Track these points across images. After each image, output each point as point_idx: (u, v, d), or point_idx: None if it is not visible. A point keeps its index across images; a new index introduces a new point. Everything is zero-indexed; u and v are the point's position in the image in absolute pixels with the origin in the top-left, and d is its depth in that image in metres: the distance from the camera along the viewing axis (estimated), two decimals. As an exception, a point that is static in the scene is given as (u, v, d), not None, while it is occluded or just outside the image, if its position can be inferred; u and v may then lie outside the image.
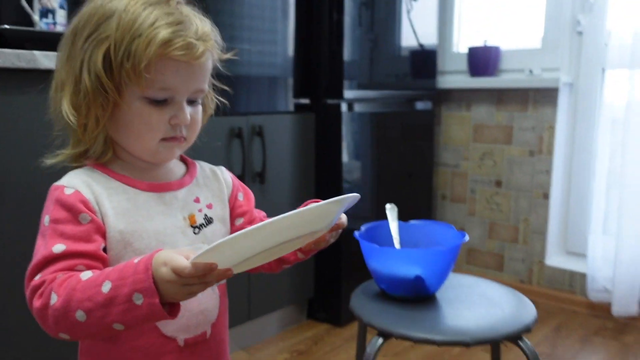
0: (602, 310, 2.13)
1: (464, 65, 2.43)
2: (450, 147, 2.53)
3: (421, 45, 2.29)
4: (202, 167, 0.82)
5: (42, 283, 0.62)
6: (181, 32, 0.67)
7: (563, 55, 2.16)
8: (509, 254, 2.40)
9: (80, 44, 0.68)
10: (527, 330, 0.94)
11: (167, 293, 0.58)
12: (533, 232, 2.32)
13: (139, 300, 0.58)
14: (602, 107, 2.04)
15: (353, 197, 0.64)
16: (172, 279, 0.57)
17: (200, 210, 0.77)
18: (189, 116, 0.71)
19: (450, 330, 0.93)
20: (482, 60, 2.31)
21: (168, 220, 0.73)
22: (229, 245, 0.55)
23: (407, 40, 2.23)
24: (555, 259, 2.32)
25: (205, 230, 0.76)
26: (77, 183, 0.69)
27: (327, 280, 2.02)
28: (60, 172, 0.73)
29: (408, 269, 0.99)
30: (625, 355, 1.84)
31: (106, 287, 0.59)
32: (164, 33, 0.65)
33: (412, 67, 2.28)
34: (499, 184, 2.40)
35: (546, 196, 2.27)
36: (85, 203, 0.67)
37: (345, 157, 1.97)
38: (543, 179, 2.27)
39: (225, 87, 0.81)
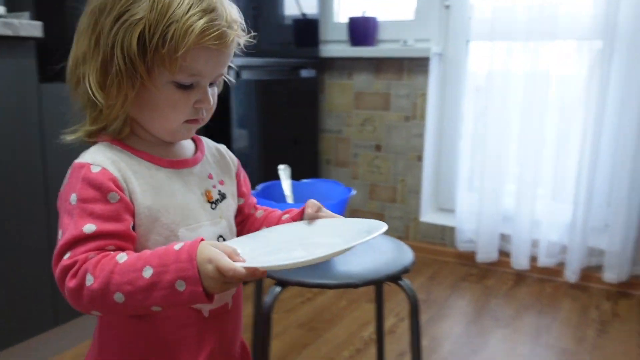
0: (468, 259, 2.40)
1: (345, 35, 2.54)
2: (333, 114, 2.64)
3: (303, 15, 2.35)
4: (208, 144, 0.84)
5: (74, 263, 0.62)
6: (216, 21, 0.67)
7: (433, 27, 2.34)
8: (389, 213, 2.59)
9: (110, 23, 0.67)
10: (406, 271, 1.06)
11: (207, 285, 0.60)
12: (409, 192, 2.53)
13: (181, 286, 0.60)
14: (467, 75, 2.25)
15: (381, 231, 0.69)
16: (215, 276, 0.60)
17: (214, 187, 0.79)
18: (212, 99, 0.73)
19: (340, 275, 1.03)
20: (361, 30, 2.43)
21: (189, 195, 0.74)
22: (280, 267, 0.62)
23: (290, 9, 2.28)
24: (428, 215, 2.55)
25: (220, 205, 0.78)
26: (103, 160, 0.68)
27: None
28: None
29: (301, 223, 1.07)
30: (487, 297, 2.10)
31: (147, 272, 0.61)
32: (201, 23, 0.65)
33: (296, 35, 2.34)
34: (378, 148, 2.56)
35: (420, 158, 2.47)
36: (114, 181, 0.67)
37: (233, 124, 2.00)
38: (417, 142, 2.46)
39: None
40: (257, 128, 2.15)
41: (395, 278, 1.05)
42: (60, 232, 0.66)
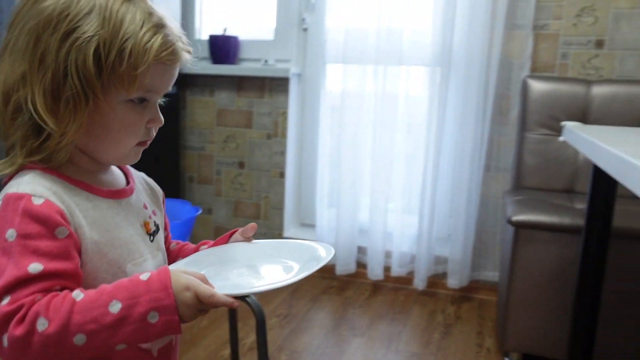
0: (329, 272, 2.47)
1: (206, 52, 2.53)
2: (195, 131, 2.61)
3: (163, 29, 2.31)
4: (134, 172, 0.79)
5: (18, 308, 0.55)
6: (169, 37, 0.65)
7: (292, 49, 2.42)
8: (253, 230, 2.59)
9: (57, 41, 0.61)
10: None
11: (183, 313, 0.59)
12: (272, 208, 2.56)
13: (154, 318, 0.57)
14: (325, 95, 2.35)
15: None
16: (193, 303, 0.59)
17: (150, 217, 0.75)
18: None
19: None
20: (222, 48, 2.43)
21: (131, 228, 0.70)
22: (258, 292, 0.66)
23: (148, 22, 2.23)
24: (291, 231, 2.60)
25: (157, 237, 0.75)
26: (44, 191, 0.61)
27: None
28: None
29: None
30: (345, 307, 2.18)
31: (115, 307, 0.57)
32: (159, 39, 0.64)
33: (155, 50, 2.28)
34: (242, 165, 2.57)
35: (282, 175, 2.52)
36: (61, 214, 0.60)
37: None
38: (279, 159, 2.51)
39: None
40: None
41: (242, 296, 1.05)
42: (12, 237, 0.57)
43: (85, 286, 0.62)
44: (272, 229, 2.57)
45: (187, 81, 2.56)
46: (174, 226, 1.11)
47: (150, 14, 0.65)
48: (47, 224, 0.59)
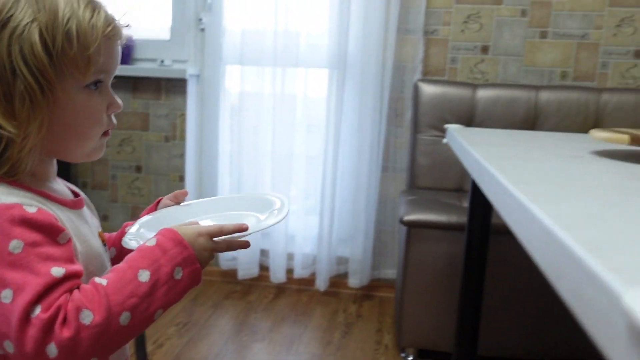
0: (232, 276, 2.43)
1: (97, 50, 2.40)
2: (88, 134, 2.47)
3: (48, 26, 2.17)
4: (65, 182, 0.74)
5: (57, 310, 0.52)
6: (107, 12, 0.63)
7: (190, 49, 2.35)
8: (154, 236, 2.50)
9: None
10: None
11: (201, 260, 0.62)
12: (173, 213, 2.48)
13: (179, 273, 0.59)
14: (224, 96, 2.30)
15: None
16: (208, 246, 0.62)
17: (99, 227, 0.73)
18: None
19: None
20: (114, 46, 2.32)
21: (95, 239, 0.68)
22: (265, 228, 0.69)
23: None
24: (193, 235, 2.53)
25: (105, 247, 0.73)
26: (26, 200, 0.58)
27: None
28: None
29: None
30: (248, 312, 2.15)
31: (144, 277, 0.57)
32: (102, 15, 0.61)
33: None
34: (139, 169, 2.47)
35: (182, 178, 2.45)
36: (59, 220, 0.58)
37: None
38: (178, 162, 2.44)
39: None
40: None
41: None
42: (9, 291, 0.52)
43: None
44: (173, 235, 2.49)
45: (77, 81, 2.42)
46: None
47: None
48: (49, 231, 0.57)
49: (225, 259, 2.40)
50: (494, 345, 1.66)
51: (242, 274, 2.37)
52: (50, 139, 0.62)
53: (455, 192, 1.96)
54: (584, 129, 1.91)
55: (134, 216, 2.48)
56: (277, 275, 2.34)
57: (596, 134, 0.89)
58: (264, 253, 2.40)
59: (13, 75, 0.57)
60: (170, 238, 0.61)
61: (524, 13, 2.11)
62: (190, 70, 2.31)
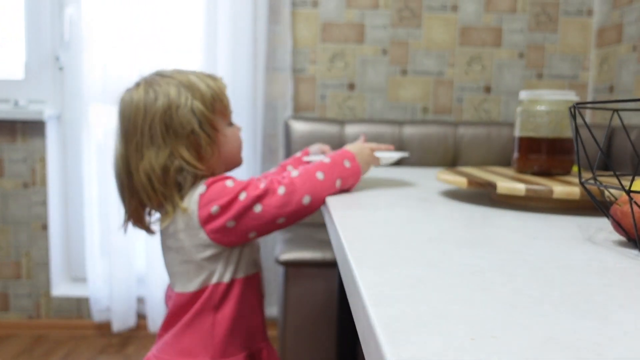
0: (106, 329, 2.27)
1: (-61, 91, 2.17)
2: None
3: None
4: None
5: (270, 183, 0.91)
6: (217, 75, 1.02)
7: (47, 88, 2.20)
8: (15, 291, 2.28)
9: (180, 120, 0.92)
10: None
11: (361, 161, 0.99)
12: (36, 265, 2.28)
13: (348, 163, 0.96)
14: (88, 138, 2.17)
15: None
16: (366, 150, 1.02)
17: None
18: None
19: None
20: (-42, 87, 2.11)
21: None
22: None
23: None
24: (61, 287, 2.34)
25: None
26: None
27: None
28: None
29: None
30: (124, 365, 2.01)
31: (320, 175, 0.93)
32: (218, 78, 1.00)
33: None
34: (-6, 219, 2.25)
35: (45, 227, 2.26)
36: None
37: None
38: (40, 210, 2.25)
39: None
40: None
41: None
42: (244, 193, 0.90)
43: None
44: (37, 288, 2.28)
45: None
46: None
47: (192, 73, 0.99)
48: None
49: (99, 310, 2.24)
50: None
51: (117, 326, 2.22)
52: (217, 159, 0.98)
53: (331, 226, 1.99)
54: (445, 162, 2.04)
55: (-10, 272, 2.26)
56: (157, 323, 2.22)
57: (441, 176, 0.94)
58: (140, 301, 2.27)
59: (194, 134, 0.93)
60: (338, 153, 0.98)
61: (384, 52, 2.23)
62: (48, 111, 2.16)
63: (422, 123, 2.09)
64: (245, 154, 2.13)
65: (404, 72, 2.25)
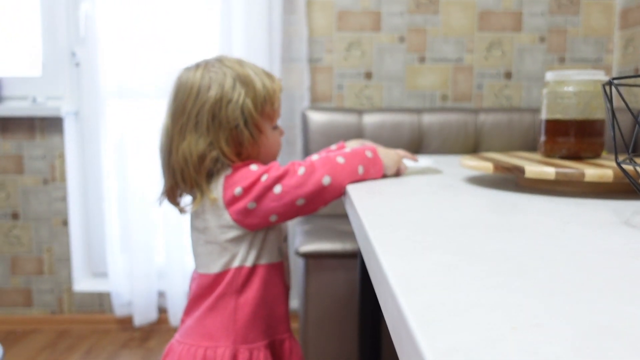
0: (128, 323, 2.29)
1: (-42, 90, 2.19)
2: (-47, 182, 2.24)
3: None
4: None
5: (291, 165, 0.91)
6: (276, 76, 1.02)
7: (64, 85, 2.21)
8: (37, 287, 2.30)
9: (227, 113, 0.92)
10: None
11: (386, 160, 0.97)
12: (58, 261, 2.30)
13: (369, 153, 0.94)
14: (106, 133, 2.18)
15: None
16: (391, 151, 1.01)
17: None
18: None
19: None
20: (-23, 86, 2.13)
21: None
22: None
23: None
24: (83, 283, 2.36)
25: None
26: None
27: None
28: None
29: None
30: (149, 359, 2.02)
31: (340, 160, 0.92)
32: (275, 80, 0.98)
33: None
34: (15, 215, 2.27)
35: (66, 223, 2.27)
36: None
37: None
38: (60, 206, 2.27)
39: None
40: None
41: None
42: (265, 175, 0.90)
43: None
44: (59, 284, 2.30)
45: (-64, 125, 2.19)
46: None
47: (251, 68, 0.97)
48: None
49: (120, 305, 2.25)
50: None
51: (139, 320, 2.23)
52: (256, 155, 0.98)
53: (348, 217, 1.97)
54: (466, 149, 2.00)
55: (15, 267, 2.28)
56: (178, 317, 2.22)
57: (465, 162, 0.91)
58: (161, 295, 2.28)
59: (238, 130, 0.93)
60: (363, 147, 0.97)
61: (402, 39, 2.19)
62: (66, 108, 2.16)
63: (442, 111, 2.05)
64: (263, 146, 2.11)
65: (422, 60, 2.21)
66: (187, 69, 0.97)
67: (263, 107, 0.95)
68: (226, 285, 0.95)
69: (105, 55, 2.10)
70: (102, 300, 2.32)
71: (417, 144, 1.99)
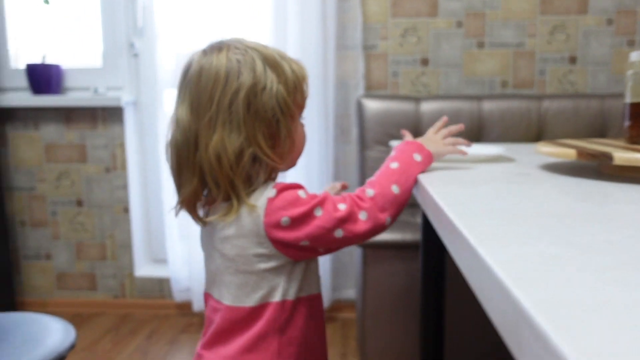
0: (187, 308, 2.34)
1: (25, 82, 2.28)
2: (22, 169, 2.34)
3: (-31, 60, 2.04)
4: None
5: (351, 206, 0.79)
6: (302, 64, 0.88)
7: (124, 75, 2.26)
8: (101, 272, 2.39)
9: (264, 101, 0.79)
10: (62, 358, 0.94)
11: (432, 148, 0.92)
12: (120, 247, 2.37)
13: (418, 157, 0.88)
14: (164, 122, 2.22)
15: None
16: (435, 138, 0.96)
17: None
18: None
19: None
20: (43, 77, 2.21)
21: None
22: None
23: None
24: (143, 269, 2.42)
25: None
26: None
27: None
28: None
29: None
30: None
31: (394, 165, 0.86)
32: (302, 67, 0.86)
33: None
34: (80, 203, 2.35)
35: (127, 210, 2.34)
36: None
37: None
38: (122, 194, 2.33)
39: None
40: None
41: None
42: (319, 209, 0.79)
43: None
44: (121, 269, 2.37)
45: (5, 115, 2.29)
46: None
47: (275, 50, 0.84)
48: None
49: (179, 290, 2.30)
50: (458, 356, 1.64)
51: (198, 306, 2.28)
52: (289, 158, 0.87)
53: (410, 208, 1.95)
54: (528, 137, 1.93)
55: (79, 252, 2.37)
56: (233, 303, 2.26)
57: (542, 149, 0.88)
58: (217, 281, 2.31)
59: (277, 123, 0.81)
60: (404, 143, 0.92)
61: (459, 24, 2.13)
62: (125, 98, 2.22)
63: (503, 97, 1.99)
64: (317, 135, 2.10)
65: (481, 45, 2.14)
66: (205, 52, 0.83)
67: (295, 95, 0.83)
68: (267, 323, 0.81)
69: (162, 45, 2.13)
70: (162, 286, 2.38)
71: (477, 133, 1.94)
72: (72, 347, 0.98)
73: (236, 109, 0.78)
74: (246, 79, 0.78)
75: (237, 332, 0.82)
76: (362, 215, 0.80)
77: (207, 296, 0.88)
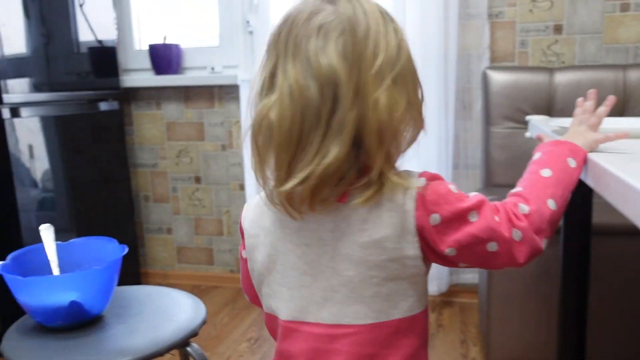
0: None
1: (148, 62, 2.37)
2: (145, 147, 2.45)
3: (100, 42, 2.14)
4: None
5: (507, 221, 0.65)
6: None
7: (240, 54, 2.27)
8: (217, 247, 2.46)
9: (406, 60, 0.65)
10: (194, 334, 0.94)
11: (584, 144, 0.77)
12: (235, 223, 2.42)
13: (572, 163, 0.73)
14: (278, 101, 2.21)
15: None
16: (584, 131, 0.82)
17: None
18: None
19: (112, 351, 0.88)
20: (164, 57, 2.28)
21: None
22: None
23: (84, 35, 2.06)
24: (256, 245, 2.46)
25: None
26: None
27: None
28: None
29: (61, 296, 0.90)
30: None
31: (546, 173, 0.71)
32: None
33: (93, 65, 2.12)
34: (198, 179, 2.42)
35: (242, 187, 2.38)
36: None
37: (23, 168, 1.73)
38: (237, 171, 2.37)
39: None
40: (59, 170, 1.91)
41: (181, 345, 0.93)
42: (474, 215, 0.64)
43: None
44: (237, 245, 2.43)
45: (129, 95, 2.40)
46: (89, 274, 0.96)
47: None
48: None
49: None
50: (601, 354, 1.48)
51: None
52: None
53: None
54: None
55: (198, 228, 2.45)
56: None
57: None
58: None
59: (415, 89, 0.66)
60: (551, 144, 0.76)
61: (602, -16, 1.91)
62: (241, 76, 2.23)
63: (652, 66, 1.75)
64: (437, 110, 1.99)
65: (626, 7, 1.90)
66: (339, 2, 0.66)
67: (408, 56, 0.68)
68: (420, 337, 0.69)
69: (276, 21, 2.11)
70: (274, 263, 2.40)
71: (621, 107, 1.73)
72: (203, 322, 0.98)
73: (407, 69, 0.65)
74: (399, 36, 0.65)
75: (385, 354, 0.67)
76: (515, 235, 0.64)
77: (296, 325, 0.68)
